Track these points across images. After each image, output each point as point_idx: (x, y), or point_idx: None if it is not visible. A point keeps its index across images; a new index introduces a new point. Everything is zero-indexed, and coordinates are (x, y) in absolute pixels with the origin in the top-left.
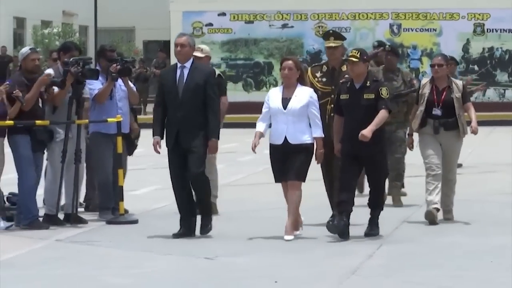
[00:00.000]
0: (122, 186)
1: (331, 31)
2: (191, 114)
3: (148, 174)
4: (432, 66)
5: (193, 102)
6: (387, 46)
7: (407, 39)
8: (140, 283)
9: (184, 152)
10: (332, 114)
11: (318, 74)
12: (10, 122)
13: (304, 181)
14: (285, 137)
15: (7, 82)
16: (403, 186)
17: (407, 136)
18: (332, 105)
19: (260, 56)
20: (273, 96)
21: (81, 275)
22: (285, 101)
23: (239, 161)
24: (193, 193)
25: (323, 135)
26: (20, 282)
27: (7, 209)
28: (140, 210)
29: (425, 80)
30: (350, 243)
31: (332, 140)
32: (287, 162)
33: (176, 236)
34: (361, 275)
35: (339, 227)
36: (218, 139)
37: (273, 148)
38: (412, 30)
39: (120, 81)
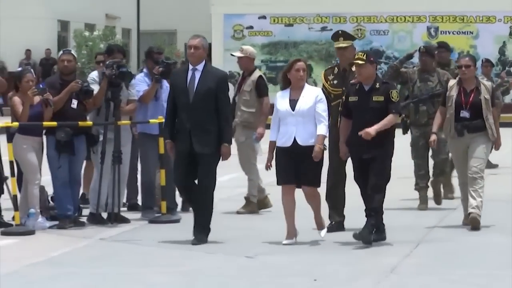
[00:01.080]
0: (164, 186)
1: (340, 32)
2: (202, 118)
3: None
4: (459, 67)
5: (204, 106)
6: (422, 47)
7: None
8: (182, 281)
9: (194, 158)
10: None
11: (330, 77)
12: (54, 123)
13: (319, 186)
14: (294, 138)
15: (40, 85)
16: (427, 186)
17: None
18: (342, 108)
19: None
20: (280, 99)
21: (123, 274)
22: (293, 103)
23: None
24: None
25: (327, 135)
26: (64, 280)
27: (51, 209)
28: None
29: (452, 82)
30: (388, 243)
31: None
32: (298, 167)
33: (194, 243)
34: (398, 273)
35: (364, 236)
36: (231, 144)
37: (281, 151)
38: (449, 33)
39: (166, 82)
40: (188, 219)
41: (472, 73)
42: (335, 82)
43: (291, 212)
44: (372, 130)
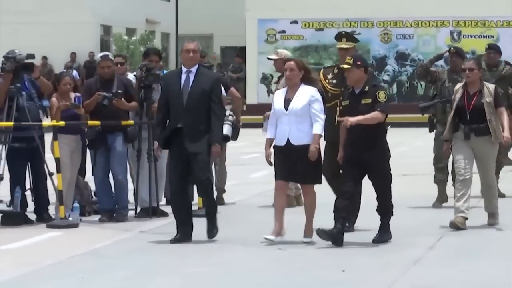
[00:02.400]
0: None
1: (343, 33)
2: (195, 119)
3: None
4: (463, 70)
5: (198, 108)
6: (452, 48)
7: (467, 45)
8: (216, 271)
9: (188, 158)
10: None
11: (329, 76)
12: (97, 122)
13: (319, 183)
14: (288, 138)
15: (76, 99)
16: (447, 180)
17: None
18: (341, 107)
19: (329, 61)
20: (277, 98)
21: (162, 264)
22: (287, 102)
23: None
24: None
25: (322, 134)
26: (106, 271)
27: (94, 203)
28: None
29: (458, 85)
30: (412, 236)
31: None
32: (294, 165)
33: (172, 241)
34: (422, 265)
35: (331, 234)
36: (221, 144)
37: (276, 149)
38: (471, 37)
39: None
40: (223, 212)
41: (475, 76)
42: (334, 81)
43: (280, 208)
44: (354, 119)
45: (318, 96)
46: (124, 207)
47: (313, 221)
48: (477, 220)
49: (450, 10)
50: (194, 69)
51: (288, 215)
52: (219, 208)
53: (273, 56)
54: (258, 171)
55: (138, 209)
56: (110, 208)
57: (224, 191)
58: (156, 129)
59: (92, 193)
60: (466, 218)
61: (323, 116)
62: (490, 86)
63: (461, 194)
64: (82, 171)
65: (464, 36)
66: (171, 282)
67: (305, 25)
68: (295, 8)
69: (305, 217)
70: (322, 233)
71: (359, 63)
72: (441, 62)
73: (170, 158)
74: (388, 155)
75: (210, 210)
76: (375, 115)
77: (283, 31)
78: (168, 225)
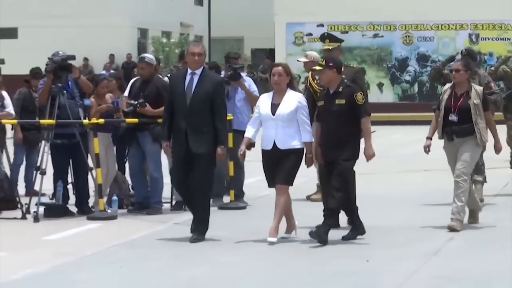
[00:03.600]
0: (232, 176)
1: (325, 34)
2: (198, 120)
3: (253, 166)
4: (450, 71)
5: (200, 109)
6: (464, 50)
7: (484, 47)
8: (245, 261)
9: (190, 158)
10: None
11: (317, 77)
12: (135, 120)
13: (291, 185)
14: (274, 142)
15: (114, 103)
16: (485, 180)
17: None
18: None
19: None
20: (263, 102)
21: (194, 255)
22: (274, 107)
23: None
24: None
25: (312, 140)
26: (142, 261)
27: (131, 196)
28: (247, 198)
29: (447, 86)
30: (432, 229)
31: None
32: (277, 166)
33: (192, 240)
34: (442, 256)
35: (319, 235)
36: (226, 146)
37: (263, 153)
38: (489, 39)
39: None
40: (254, 205)
41: (462, 77)
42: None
43: (287, 210)
44: (368, 150)
45: (304, 102)
46: (157, 202)
47: (279, 222)
48: (494, 214)
49: (469, 14)
50: (198, 72)
51: (313, 208)
52: (252, 201)
53: (303, 59)
54: None
55: (173, 202)
56: (143, 201)
57: (243, 192)
58: (162, 127)
59: (130, 187)
60: (462, 220)
61: (309, 123)
62: (478, 88)
63: (457, 194)
64: (121, 167)
65: (482, 39)
66: (203, 272)
67: (331, 28)
68: (321, 12)
69: (274, 216)
70: (313, 234)
71: (331, 64)
72: None
73: (173, 157)
74: (355, 155)
75: (203, 214)
76: (367, 125)
77: (310, 34)
78: None
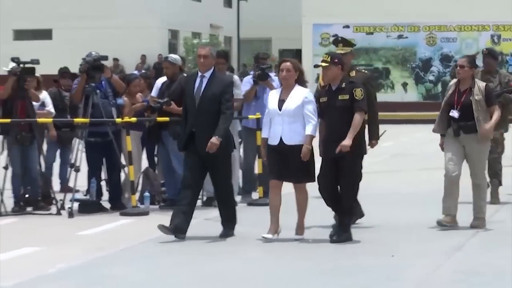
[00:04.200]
0: (261, 173)
1: (339, 38)
2: (207, 122)
3: None
4: (455, 66)
5: (209, 111)
6: (485, 49)
7: (506, 47)
8: (272, 256)
9: (201, 159)
10: None
11: (319, 73)
12: (166, 118)
13: (312, 180)
14: (281, 137)
15: (145, 102)
16: (500, 183)
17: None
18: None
19: (379, 63)
20: (271, 98)
21: (223, 250)
22: (281, 103)
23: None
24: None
25: (315, 135)
26: (174, 255)
27: (163, 193)
28: None
29: (452, 82)
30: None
31: None
32: (287, 163)
33: (162, 229)
34: (465, 251)
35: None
36: (222, 139)
37: (270, 148)
38: (510, 40)
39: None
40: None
41: (466, 73)
42: (323, 79)
43: (275, 207)
44: (347, 141)
45: (311, 97)
46: (173, 196)
47: (304, 219)
48: None
49: (491, 16)
50: (208, 74)
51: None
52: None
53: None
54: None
55: (204, 198)
56: (174, 198)
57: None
58: (180, 126)
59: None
60: (452, 217)
61: (315, 117)
62: (481, 84)
63: (447, 194)
64: (152, 164)
65: (504, 40)
66: (231, 267)
67: (357, 29)
68: (347, 14)
69: (297, 214)
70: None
71: (336, 60)
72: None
73: (185, 156)
74: (361, 152)
75: (230, 210)
76: (357, 118)
77: (336, 35)
78: None
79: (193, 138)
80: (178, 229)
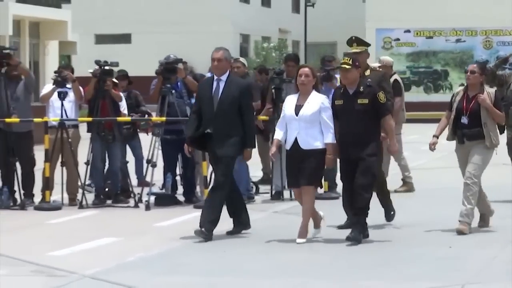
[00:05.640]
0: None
1: (353, 38)
2: (225, 125)
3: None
4: (465, 72)
5: (227, 114)
6: None
7: None
8: (339, 247)
9: (216, 161)
10: None
11: (338, 75)
12: None
13: (318, 186)
14: (297, 142)
15: None
16: None
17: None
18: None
19: (438, 65)
20: (288, 103)
21: (287, 240)
22: (298, 108)
23: (421, 150)
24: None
25: (334, 142)
26: (244, 245)
27: None
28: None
29: (459, 88)
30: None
31: None
32: (302, 168)
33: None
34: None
35: (356, 239)
36: (254, 147)
37: (287, 154)
38: None
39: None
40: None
41: (476, 79)
42: (342, 82)
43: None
44: (393, 146)
45: (328, 104)
46: (246, 192)
47: (308, 223)
48: None
49: None
50: (224, 77)
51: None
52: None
53: (377, 64)
54: None
55: (273, 192)
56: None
57: (336, 184)
58: (188, 130)
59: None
60: (470, 223)
61: (333, 125)
62: (491, 91)
63: (466, 196)
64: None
65: None
66: (301, 256)
67: (417, 33)
68: (408, 19)
69: (302, 218)
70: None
71: (357, 63)
72: None
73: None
74: (379, 151)
75: (214, 209)
76: (390, 124)
77: (398, 39)
78: (298, 206)
79: (209, 140)
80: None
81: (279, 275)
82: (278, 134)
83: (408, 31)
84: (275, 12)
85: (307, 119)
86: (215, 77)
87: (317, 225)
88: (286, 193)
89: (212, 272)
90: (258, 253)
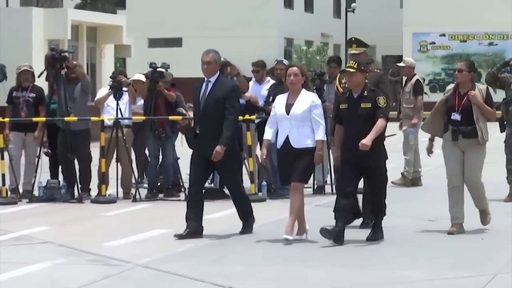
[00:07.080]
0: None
1: (353, 39)
2: (210, 126)
3: None
4: (454, 71)
5: (212, 115)
6: None
7: None
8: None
9: (206, 161)
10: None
11: (343, 81)
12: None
13: (306, 182)
14: (289, 141)
15: None
16: None
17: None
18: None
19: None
20: (278, 102)
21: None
22: (289, 107)
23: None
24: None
25: (325, 138)
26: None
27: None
28: None
29: (450, 86)
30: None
31: None
32: (292, 165)
33: (178, 237)
34: None
35: (333, 233)
36: (226, 147)
37: (279, 152)
38: None
39: None
40: None
41: (464, 77)
42: (347, 85)
43: (300, 210)
44: (367, 140)
45: (318, 101)
46: (281, 188)
47: (296, 220)
48: None
49: None
50: (213, 79)
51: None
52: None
53: (401, 64)
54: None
55: (315, 187)
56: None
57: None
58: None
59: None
60: (461, 224)
61: (323, 122)
62: (482, 87)
63: (453, 202)
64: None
65: None
66: (351, 248)
67: (452, 37)
68: (443, 24)
69: (289, 215)
70: (325, 232)
71: (362, 67)
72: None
73: (191, 155)
74: (384, 157)
75: (242, 211)
76: (380, 125)
77: (433, 43)
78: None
79: (197, 139)
80: None
81: (324, 264)
82: (268, 134)
83: (443, 35)
84: (318, 17)
85: (298, 118)
86: (205, 79)
87: (300, 233)
88: (328, 188)
89: (259, 257)
90: (300, 242)
